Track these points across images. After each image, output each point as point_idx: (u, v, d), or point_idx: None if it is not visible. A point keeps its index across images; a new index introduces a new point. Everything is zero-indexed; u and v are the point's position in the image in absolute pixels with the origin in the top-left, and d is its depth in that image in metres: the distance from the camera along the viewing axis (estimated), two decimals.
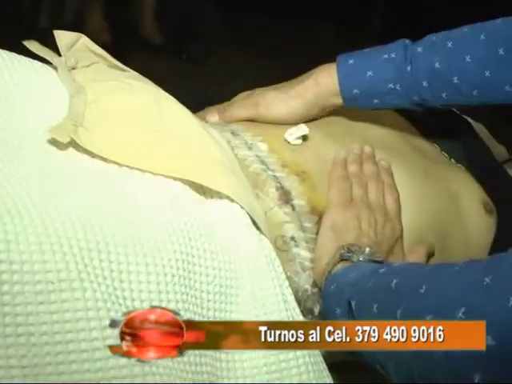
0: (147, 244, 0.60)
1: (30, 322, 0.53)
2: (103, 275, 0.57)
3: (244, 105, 0.88)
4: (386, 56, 0.84)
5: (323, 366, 0.67)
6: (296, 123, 0.85)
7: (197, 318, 0.62)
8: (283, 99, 0.87)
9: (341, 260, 0.71)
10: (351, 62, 0.85)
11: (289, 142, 0.81)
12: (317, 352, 0.67)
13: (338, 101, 0.86)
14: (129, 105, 0.72)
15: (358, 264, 0.70)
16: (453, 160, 0.97)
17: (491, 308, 0.49)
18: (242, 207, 0.68)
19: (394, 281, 0.60)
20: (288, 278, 0.71)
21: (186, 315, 0.61)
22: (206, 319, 0.63)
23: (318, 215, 0.76)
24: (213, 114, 0.88)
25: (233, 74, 1.92)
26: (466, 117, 1.00)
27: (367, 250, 0.71)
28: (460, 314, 0.50)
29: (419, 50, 0.83)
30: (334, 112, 0.91)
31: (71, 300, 0.55)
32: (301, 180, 0.77)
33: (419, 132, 0.98)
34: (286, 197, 0.75)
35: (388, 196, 0.82)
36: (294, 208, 0.75)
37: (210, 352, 0.62)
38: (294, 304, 0.69)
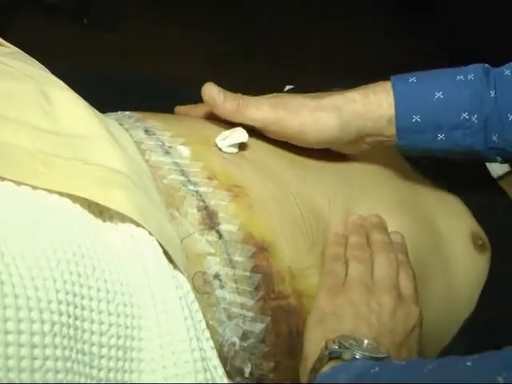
0: (19, 281, 0.52)
1: None
2: None
3: (261, 103, 0.70)
4: (460, 77, 0.69)
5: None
6: (318, 144, 0.71)
7: (83, 381, 0.55)
8: (311, 108, 0.69)
9: (330, 358, 0.59)
10: (413, 79, 0.69)
11: (220, 149, 0.69)
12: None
13: (389, 131, 0.69)
14: (2, 93, 0.64)
15: (352, 362, 0.58)
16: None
17: None
18: (151, 233, 0.60)
19: None
20: (209, 328, 0.63)
21: (68, 377, 0.53)
22: (95, 382, 0.56)
23: (255, 245, 0.64)
24: (232, 103, 0.70)
25: (153, 49, 1.73)
26: None
27: (366, 342, 0.59)
28: None
29: (507, 72, 0.68)
30: None
31: None
32: (233, 197, 0.65)
33: None
34: (210, 220, 0.65)
35: (401, 275, 0.68)
36: (220, 235, 0.65)
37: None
38: (216, 362, 0.62)
